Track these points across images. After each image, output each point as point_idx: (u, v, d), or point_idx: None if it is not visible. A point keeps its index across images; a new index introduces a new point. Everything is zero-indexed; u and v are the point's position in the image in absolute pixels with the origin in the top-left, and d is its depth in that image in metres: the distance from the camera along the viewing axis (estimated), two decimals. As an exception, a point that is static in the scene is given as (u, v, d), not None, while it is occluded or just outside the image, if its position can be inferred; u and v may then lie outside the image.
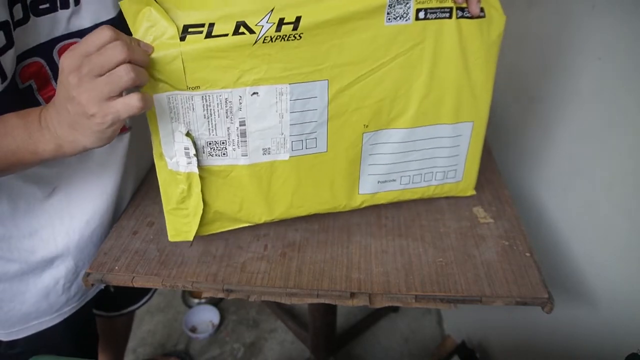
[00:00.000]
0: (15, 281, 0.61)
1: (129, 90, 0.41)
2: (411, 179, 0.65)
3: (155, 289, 0.97)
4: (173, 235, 0.59)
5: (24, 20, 0.47)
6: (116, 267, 0.59)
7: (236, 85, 0.50)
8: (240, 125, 0.53)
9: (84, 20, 0.53)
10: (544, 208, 0.80)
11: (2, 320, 0.62)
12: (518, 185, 0.87)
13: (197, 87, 0.49)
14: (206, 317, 1.40)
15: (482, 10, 0.54)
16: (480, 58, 0.57)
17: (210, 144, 0.53)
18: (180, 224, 0.58)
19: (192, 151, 0.52)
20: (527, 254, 0.61)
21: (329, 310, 1.04)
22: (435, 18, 0.53)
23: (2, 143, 0.44)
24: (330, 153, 0.58)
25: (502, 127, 0.98)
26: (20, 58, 0.48)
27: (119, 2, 0.45)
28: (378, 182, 0.63)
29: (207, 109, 0.51)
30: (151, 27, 0.45)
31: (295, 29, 0.48)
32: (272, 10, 0.47)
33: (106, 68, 0.39)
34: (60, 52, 0.52)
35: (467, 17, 0.54)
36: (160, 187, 0.55)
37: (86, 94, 0.39)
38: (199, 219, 0.57)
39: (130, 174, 0.71)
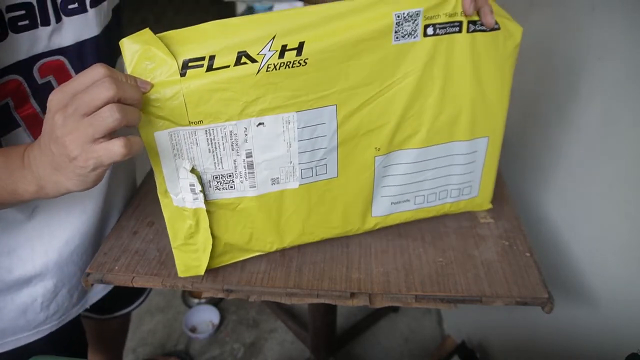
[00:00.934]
0: None
1: (122, 130, 0.38)
2: (425, 199, 0.63)
3: (149, 291, 0.97)
4: (182, 271, 0.57)
5: (1, 37, 0.45)
6: (116, 267, 0.59)
7: (241, 117, 0.48)
8: (247, 157, 0.51)
9: (65, 37, 0.51)
10: (544, 208, 0.80)
11: None
12: (518, 185, 0.87)
13: (200, 122, 0.47)
14: (206, 317, 1.40)
15: (495, 22, 0.52)
16: (496, 72, 0.56)
17: (216, 177, 0.52)
18: (190, 259, 0.56)
19: (198, 187, 0.50)
20: (527, 254, 0.61)
21: (329, 310, 1.04)
22: (445, 34, 0.51)
23: None
24: (341, 178, 0.57)
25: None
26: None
27: (120, 42, 0.43)
28: (392, 203, 0.61)
29: (211, 143, 0.49)
30: (151, 65, 0.43)
31: (299, 54, 0.47)
32: (273, 38, 0.46)
33: (92, 107, 0.36)
34: (42, 70, 0.50)
35: (481, 30, 0.52)
36: (166, 223, 0.54)
37: (70, 135, 0.36)
38: (208, 254, 0.55)
39: (119, 188, 0.69)
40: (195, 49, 0.45)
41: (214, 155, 0.50)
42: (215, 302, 1.44)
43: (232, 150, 0.50)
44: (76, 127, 0.36)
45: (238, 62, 0.46)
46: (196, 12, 2.49)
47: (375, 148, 0.56)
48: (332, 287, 0.57)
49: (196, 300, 1.46)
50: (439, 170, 0.61)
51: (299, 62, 0.47)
